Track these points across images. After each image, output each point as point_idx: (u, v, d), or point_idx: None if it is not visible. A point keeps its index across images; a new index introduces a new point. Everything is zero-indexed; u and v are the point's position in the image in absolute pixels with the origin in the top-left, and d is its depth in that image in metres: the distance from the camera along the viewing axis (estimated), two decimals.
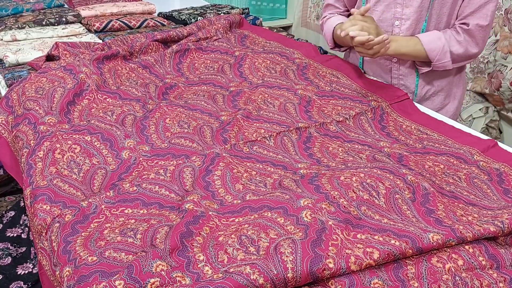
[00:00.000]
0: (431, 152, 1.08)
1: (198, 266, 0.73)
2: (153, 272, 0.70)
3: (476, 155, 1.06)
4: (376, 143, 1.12)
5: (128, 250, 0.76)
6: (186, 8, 2.20)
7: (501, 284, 0.70)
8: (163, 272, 0.70)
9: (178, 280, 0.70)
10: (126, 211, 0.88)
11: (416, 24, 1.32)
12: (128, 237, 0.80)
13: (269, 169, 1.00)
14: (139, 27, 1.96)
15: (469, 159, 1.05)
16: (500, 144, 1.11)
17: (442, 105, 1.44)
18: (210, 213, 0.84)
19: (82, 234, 0.82)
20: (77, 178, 0.98)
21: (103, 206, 0.88)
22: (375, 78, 1.43)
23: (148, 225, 0.82)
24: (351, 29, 1.19)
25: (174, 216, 0.84)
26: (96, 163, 1.02)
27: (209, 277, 0.70)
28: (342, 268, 0.70)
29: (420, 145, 1.12)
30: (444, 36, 1.29)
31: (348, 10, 1.51)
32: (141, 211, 0.88)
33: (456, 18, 1.31)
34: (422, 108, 1.31)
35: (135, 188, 0.93)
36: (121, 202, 0.90)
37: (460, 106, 1.49)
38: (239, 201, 0.88)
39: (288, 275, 0.68)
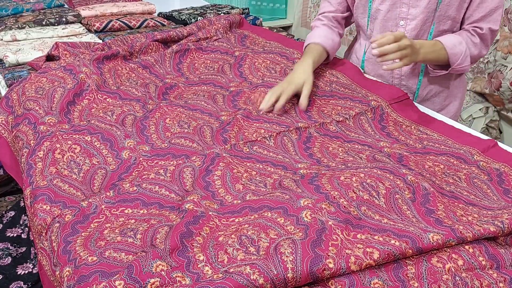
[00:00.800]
0: (431, 152, 1.08)
1: (198, 266, 0.73)
2: (153, 272, 0.70)
3: (476, 155, 1.06)
4: (376, 143, 1.12)
5: (128, 250, 0.76)
6: (186, 8, 2.20)
7: (501, 284, 0.70)
8: (163, 272, 0.70)
9: (178, 280, 0.70)
10: (126, 211, 0.88)
11: (422, 25, 1.31)
12: (128, 237, 0.79)
13: (269, 169, 1.00)
14: (139, 27, 1.96)
15: (469, 159, 1.05)
16: (500, 144, 1.11)
17: (442, 106, 1.44)
18: (210, 213, 0.84)
19: (82, 234, 0.82)
20: (77, 178, 0.98)
21: (103, 206, 0.88)
22: (375, 78, 1.43)
23: (148, 225, 0.82)
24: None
25: (174, 216, 0.84)
26: (96, 163, 1.02)
27: (209, 277, 0.70)
28: (342, 268, 0.70)
29: (420, 145, 1.12)
30: (463, 40, 1.28)
31: (343, 12, 1.49)
32: (141, 211, 0.88)
33: (462, 21, 1.31)
34: (422, 108, 1.31)
35: (135, 188, 0.93)
36: (121, 202, 0.90)
37: (461, 107, 1.48)
38: (239, 201, 0.88)
39: (288, 275, 0.68)
